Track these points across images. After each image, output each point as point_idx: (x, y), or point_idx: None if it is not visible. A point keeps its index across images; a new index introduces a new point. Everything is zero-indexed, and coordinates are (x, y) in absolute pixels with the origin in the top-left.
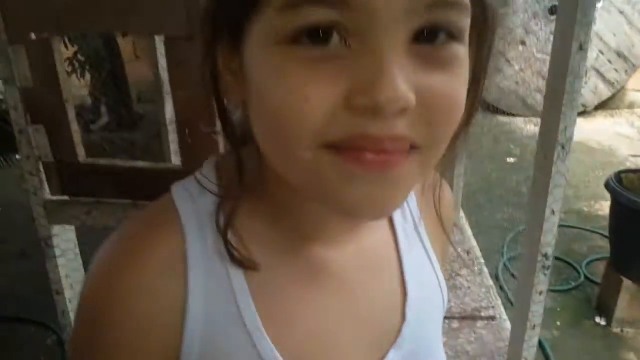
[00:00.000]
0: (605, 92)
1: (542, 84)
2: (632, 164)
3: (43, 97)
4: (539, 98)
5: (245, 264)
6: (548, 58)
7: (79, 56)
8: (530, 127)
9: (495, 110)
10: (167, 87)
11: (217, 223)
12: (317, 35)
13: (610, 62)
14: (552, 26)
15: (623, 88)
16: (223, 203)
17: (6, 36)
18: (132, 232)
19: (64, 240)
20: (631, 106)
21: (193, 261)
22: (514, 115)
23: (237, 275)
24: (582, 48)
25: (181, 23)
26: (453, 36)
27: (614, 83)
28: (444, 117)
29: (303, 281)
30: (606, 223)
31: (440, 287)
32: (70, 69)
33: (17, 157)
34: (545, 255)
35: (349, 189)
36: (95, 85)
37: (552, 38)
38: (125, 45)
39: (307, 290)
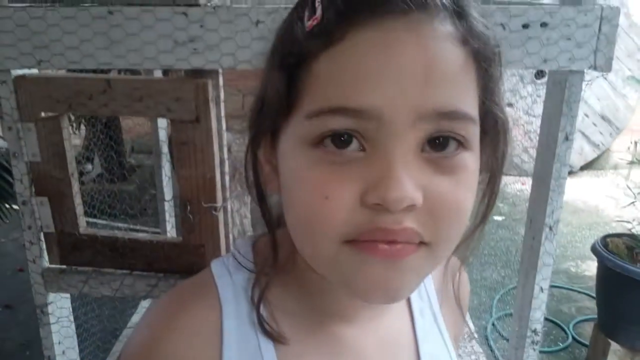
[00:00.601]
0: (590, 153)
1: (529, 144)
2: (617, 225)
3: (49, 171)
4: (526, 158)
5: (274, 337)
6: (535, 119)
7: None
8: (517, 185)
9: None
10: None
11: (252, 297)
12: (339, 139)
13: (595, 124)
14: (540, 89)
15: (608, 150)
16: (257, 279)
17: (18, 114)
18: (172, 302)
19: (59, 307)
20: (616, 167)
21: (228, 334)
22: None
23: (268, 348)
24: (568, 138)
25: (189, 108)
26: (461, 144)
27: (599, 145)
28: (449, 218)
29: (327, 356)
30: (593, 283)
31: None
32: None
33: (6, 205)
34: (535, 331)
35: (364, 274)
36: (89, 137)
37: (538, 100)
38: None
39: None
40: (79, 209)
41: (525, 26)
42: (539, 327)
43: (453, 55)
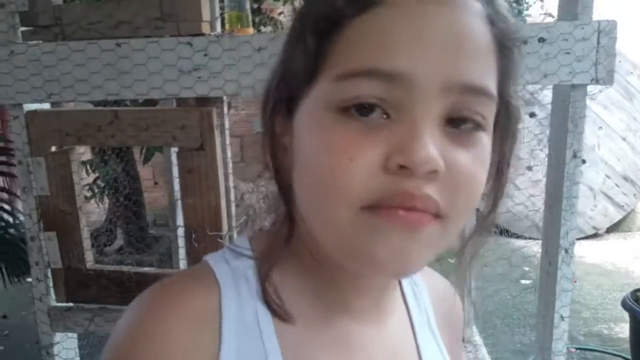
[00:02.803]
0: (615, 214)
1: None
2: None
3: (58, 204)
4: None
5: (278, 313)
6: None
7: (99, 182)
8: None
9: (509, 234)
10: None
11: (259, 274)
12: (363, 107)
13: (617, 185)
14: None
15: (633, 211)
16: (262, 260)
17: (29, 149)
18: (168, 284)
19: (65, 348)
20: None
21: (227, 317)
22: (526, 238)
23: (270, 336)
24: (576, 156)
25: (194, 136)
26: (478, 125)
27: (623, 206)
28: (465, 191)
29: (331, 349)
30: (627, 345)
31: None
32: (89, 194)
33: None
34: None
35: (379, 242)
36: (112, 209)
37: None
38: (144, 171)
39: (335, 357)
40: (86, 243)
41: (523, 42)
42: (562, 359)
43: (482, 32)
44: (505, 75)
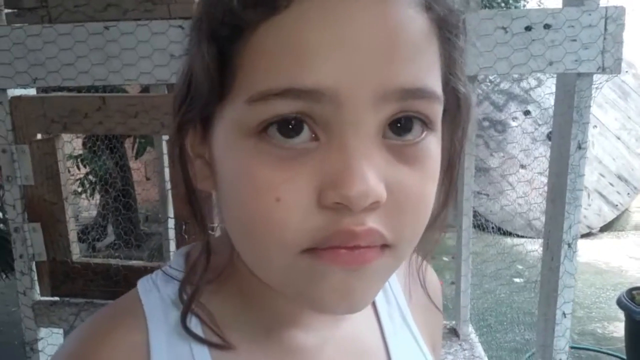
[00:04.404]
0: (609, 214)
1: (545, 207)
2: None
3: (43, 194)
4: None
5: (218, 344)
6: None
7: (90, 177)
8: (535, 247)
9: (502, 232)
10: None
11: (183, 303)
12: (287, 127)
13: (611, 184)
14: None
15: (627, 210)
16: (182, 287)
17: (13, 136)
18: (95, 325)
19: (50, 344)
20: (637, 227)
21: (157, 352)
22: (520, 236)
23: (203, 357)
24: (581, 147)
25: None
26: (427, 125)
27: (617, 205)
28: (414, 215)
29: None
30: (622, 345)
31: None
32: (80, 189)
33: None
34: None
35: (322, 285)
36: (103, 205)
37: None
38: (136, 167)
39: None
40: (72, 235)
41: (527, 28)
42: (564, 357)
43: (417, 24)
44: (450, 63)
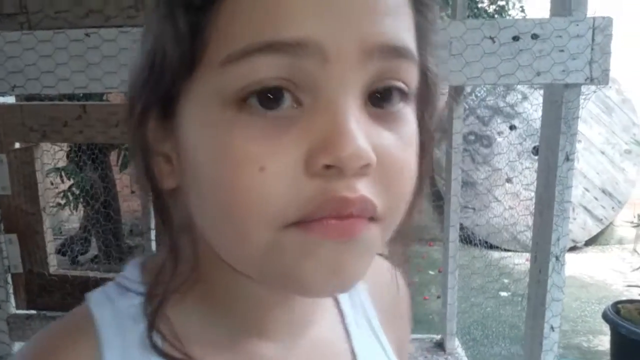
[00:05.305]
0: (594, 228)
1: (531, 220)
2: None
3: (20, 205)
4: (529, 234)
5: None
6: (534, 193)
7: (74, 189)
8: (521, 260)
9: (488, 245)
10: None
11: (148, 317)
12: (267, 98)
13: (596, 199)
14: (535, 164)
15: (611, 224)
16: (148, 297)
17: None
18: (42, 344)
19: None
20: (621, 242)
21: None
22: (505, 250)
23: None
24: (569, 158)
25: None
26: (403, 94)
27: (602, 219)
28: (400, 182)
29: None
30: (607, 358)
31: None
32: (64, 201)
33: None
34: None
35: (312, 262)
36: (86, 217)
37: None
38: (121, 180)
39: None
40: (50, 247)
41: (515, 38)
42: None
43: None
44: (421, 35)
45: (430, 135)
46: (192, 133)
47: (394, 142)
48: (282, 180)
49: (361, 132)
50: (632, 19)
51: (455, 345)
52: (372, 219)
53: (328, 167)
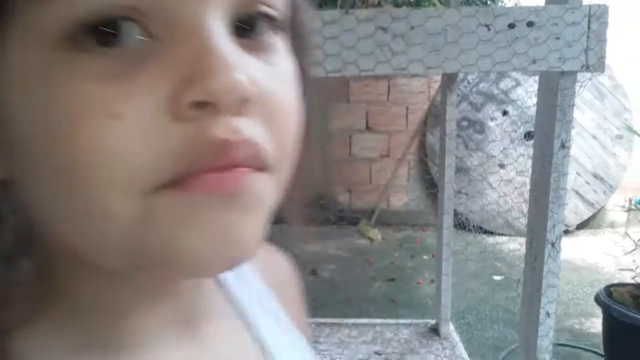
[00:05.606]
0: (585, 212)
1: (525, 207)
2: (621, 277)
3: None
4: (523, 220)
5: None
6: (528, 179)
7: None
8: (515, 245)
9: (481, 231)
10: None
11: None
12: (102, 33)
13: (588, 183)
14: (529, 150)
15: (603, 208)
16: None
17: None
18: None
19: None
20: (612, 225)
21: None
22: (499, 234)
23: None
24: (564, 146)
25: None
26: (273, 21)
27: (593, 203)
28: (286, 119)
29: None
30: (599, 340)
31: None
32: None
33: None
34: None
35: (195, 229)
36: None
37: (529, 161)
38: None
39: None
40: None
41: (511, 26)
42: (547, 357)
43: None
44: None
45: (308, 82)
46: (12, 90)
47: (272, 76)
48: (141, 130)
49: (235, 60)
50: (627, 6)
51: (450, 330)
52: (261, 169)
53: (198, 104)
